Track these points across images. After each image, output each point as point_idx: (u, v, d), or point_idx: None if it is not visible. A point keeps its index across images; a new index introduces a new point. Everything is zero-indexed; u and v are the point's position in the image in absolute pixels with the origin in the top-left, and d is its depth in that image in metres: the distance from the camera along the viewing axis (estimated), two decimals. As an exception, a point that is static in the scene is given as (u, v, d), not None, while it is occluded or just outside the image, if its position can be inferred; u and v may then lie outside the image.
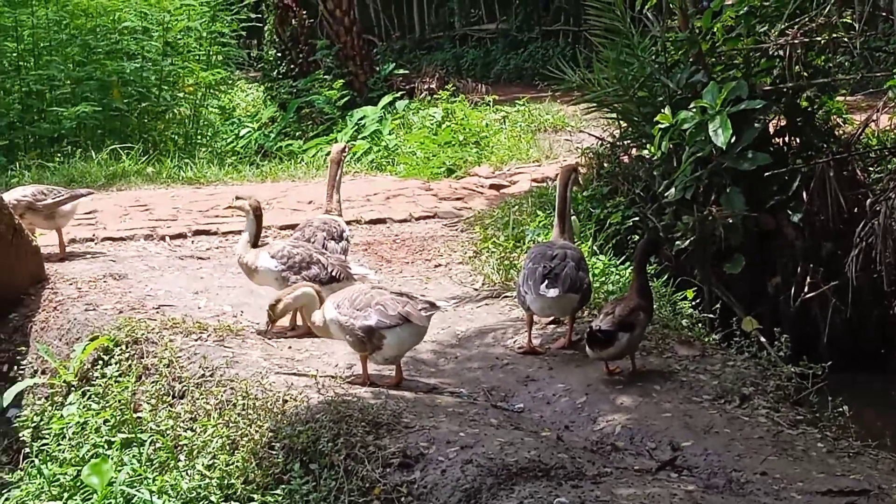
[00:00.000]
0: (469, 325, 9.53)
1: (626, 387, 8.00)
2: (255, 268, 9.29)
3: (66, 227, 11.69)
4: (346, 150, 10.75)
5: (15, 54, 20.34)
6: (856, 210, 11.51)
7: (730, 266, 11.29)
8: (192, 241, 12.41)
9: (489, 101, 22.26)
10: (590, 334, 7.96)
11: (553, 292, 8.38)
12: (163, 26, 21.13)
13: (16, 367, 9.47)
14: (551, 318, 9.32)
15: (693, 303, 10.05)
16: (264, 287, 9.66)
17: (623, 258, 10.84)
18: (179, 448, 7.51)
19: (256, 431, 7.16)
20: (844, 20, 11.21)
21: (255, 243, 9.47)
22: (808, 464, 6.95)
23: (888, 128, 12.63)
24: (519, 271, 9.25)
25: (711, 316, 9.84)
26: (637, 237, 11.33)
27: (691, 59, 11.64)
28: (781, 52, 11.33)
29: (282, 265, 9.17)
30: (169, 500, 7.08)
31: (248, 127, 24.46)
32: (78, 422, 8.22)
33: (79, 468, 7.61)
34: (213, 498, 6.94)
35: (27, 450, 8.54)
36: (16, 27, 20.10)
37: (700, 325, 9.52)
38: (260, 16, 25.74)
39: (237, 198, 9.67)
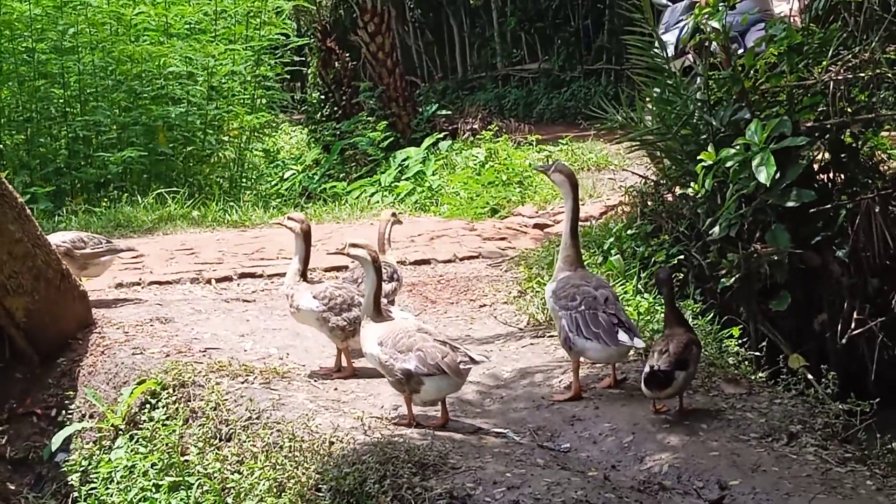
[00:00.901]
0: (514, 365, 9.52)
1: (672, 425, 7.96)
2: (298, 307, 9.31)
3: (104, 274, 11.81)
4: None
5: (62, 100, 20.58)
6: (902, 246, 11.43)
7: (775, 303, 11.23)
8: (238, 284, 12.47)
9: (532, 140, 22.29)
10: (651, 374, 7.86)
11: (639, 342, 8.27)
12: (207, 71, 21.32)
13: (64, 412, 9.55)
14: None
15: (739, 340, 10.00)
16: (309, 329, 9.69)
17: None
18: (227, 491, 7.53)
19: (303, 474, 7.17)
20: (888, 56, 11.16)
21: (304, 270, 9.46)
22: (857, 502, 6.88)
23: (933, 163, 12.57)
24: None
25: (758, 353, 9.78)
26: (682, 275, 11.29)
27: (734, 97, 11.61)
28: (825, 89, 11.30)
29: (323, 306, 9.19)
30: (217, 543, 7.11)
31: (292, 169, 24.62)
32: (126, 465, 8.26)
33: (127, 512, 7.65)
34: (260, 540, 6.96)
35: (76, 494, 8.61)
36: (62, 74, 20.35)
37: (746, 362, 9.47)
38: (303, 59, 25.99)
39: (289, 217, 9.66)
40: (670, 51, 15.58)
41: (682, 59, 15.98)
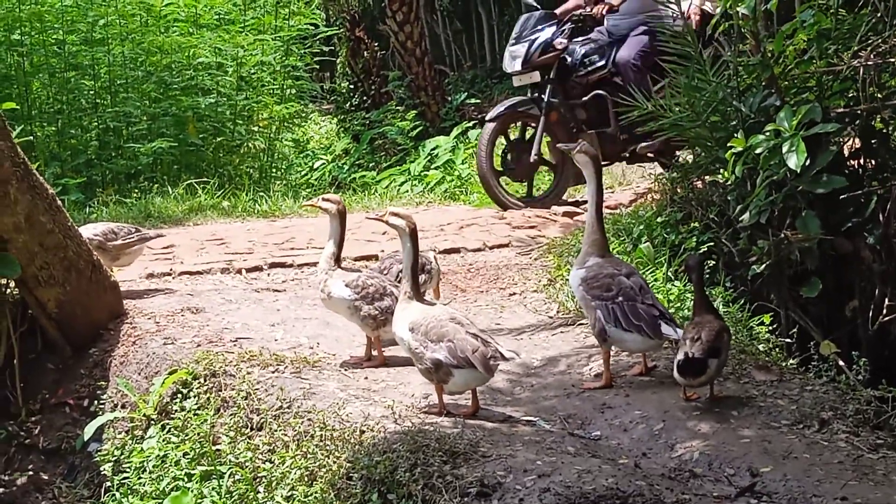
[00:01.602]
0: (544, 353, 9.52)
1: (703, 413, 7.96)
2: (329, 294, 9.31)
3: (135, 262, 11.88)
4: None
5: (92, 92, 20.64)
6: (933, 231, 11.38)
7: (806, 290, 11.18)
8: (268, 274, 12.49)
9: (562, 128, 22.20)
10: (686, 362, 7.83)
11: (681, 332, 8.24)
12: (237, 61, 21.36)
13: (96, 402, 9.58)
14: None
15: (770, 327, 9.98)
16: (339, 318, 9.70)
17: (699, 284, 10.81)
18: (258, 480, 7.57)
19: (334, 462, 7.20)
20: (918, 41, 11.10)
21: (339, 255, 9.46)
22: (889, 488, 6.87)
23: (964, 147, 12.49)
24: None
25: (788, 340, 9.77)
26: (712, 262, 11.26)
27: (764, 83, 11.56)
28: (855, 74, 11.24)
29: (355, 294, 9.19)
30: (249, 532, 7.14)
31: (321, 159, 24.65)
32: (158, 455, 8.29)
33: (159, 501, 7.69)
34: (292, 529, 6.99)
35: (108, 483, 8.65)
36: (93, 65, 20.42)
37: (777, 349, 9.46)
38: (332, 48, 25.97)
39: (324, 199, 9.65)
40: (516, 65, 16.14)
41: (530, 75, 16.16)
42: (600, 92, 15.93)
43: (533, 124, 16.23)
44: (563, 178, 16.61)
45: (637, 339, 8.34)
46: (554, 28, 16.18)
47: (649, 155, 16.56)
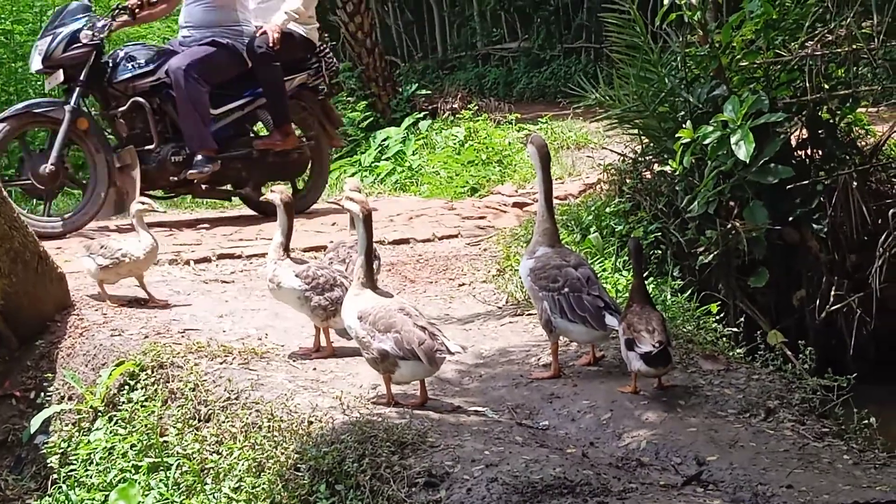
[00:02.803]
0: (493, 344, 9.53)
1: (650, 402, 7.98)
2: (279, 284, 9.27)
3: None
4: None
5: (40, 83, 20.47)
6: (879, 221, 11.47)
7: (754, 280, 11.26)
8: (217, 265, 12.44)
9: (512, 119, 22.29)
10: (661, 352, 7.84)
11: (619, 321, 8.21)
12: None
13: (42, 394, 9.53)
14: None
15: (717, 317, 10.02)
16: (288, 309, 9.67)
17: (646, 273, 10.84)
18: (206, 471, 7.54)
19: (282, 453, 7.18)
20: (864, 31, 11.17)
21: (287, 245, 9.41)
22: (834, 476, 6.92)
23: (911, 138, 12.61)
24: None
25: (736, 330, 9.81)
26: (660, 252, 11.31)
27: (711, 74, 11.63)
28: (802, 65, 11.32)
29: (305, 285, 9.15)
30: (196, 524, 7.12)
31: (272, 149, 24.51)
32: (105, 447, 8.26)
33: (106, 493, 7.65)
34: (239, 520, 6.97)
35: (55, 476, 8.60)
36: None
37: (724, 339, 9.49)
38: (283, 39, 25.83)
39: (270, 190, 9.64)
40: (37, 63, 14.04)
41: (54, 74, 14.02)
42: (140, 100, 14.15)
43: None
44: (92, 200, 14.16)
45: (582, 330, 8.35)
46: (86, 19, 14.01)
47: (205, 187, 14.95)
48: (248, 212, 15.73)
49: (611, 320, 8.26)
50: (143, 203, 10.77)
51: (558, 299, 8.41)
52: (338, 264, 9.74)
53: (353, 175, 20.75)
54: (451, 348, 7.66)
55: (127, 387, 8.83)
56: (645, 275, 10.40)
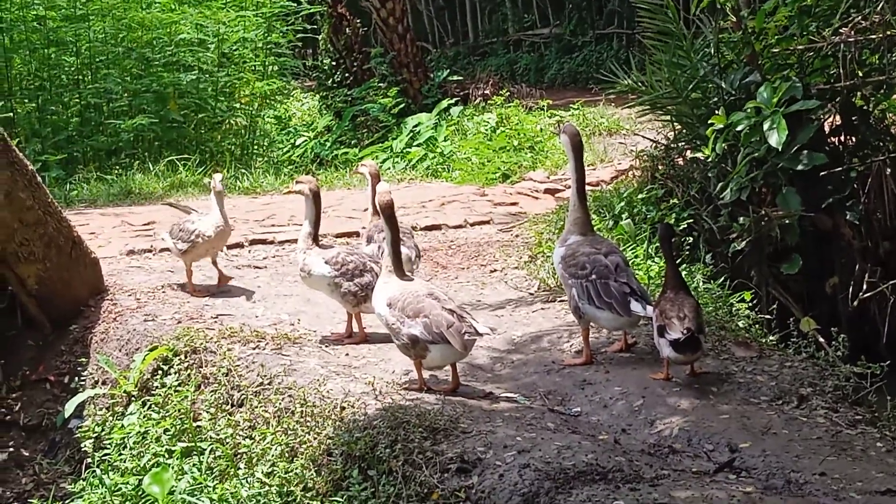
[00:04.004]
0: (525, 330, 9.53)
1: (683, 389, 7.97)
2: (309, 271, 9.31)
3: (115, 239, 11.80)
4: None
5: (73, 68, 20.59)
6: (913, 208, 11.43)
7: (787, 267, 11.22)
8: (249, 251, 12.49)
9: (543, 105, 22.24)
10: (689, 339, 7.85)
11: (650, 310, 8.18)
12: (218, 38, 21.31)
13: (76, 379, 9.59)
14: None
15: (750, 304, 10.00)
16: (320, 295, 9.70)
17: (678, 260, 10.82)
18: (239, 456, 7.56)
19: (315, 438, 7.20)
20: (898, 17, 11.11)
21: (316, 234, 9.45)
22: (867, 464, 6.91)
23: (945, 125, 12.53)
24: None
25: (768, 317, 9.79)
26: (692, 239, 11.28)
27: (745, 60, 11.58)
28: (836, 51, 11.26)
29: (335, 271, 9.18)
30: (229, 508, 7.14)
31: (303, 136, 24.60)
32: (138, 431, 8.29)
33: (140, 477, 7.67)
34: (272, 505, 6.99)
35: (89, 460, 8.65)
36: (74, 41, 20.34)
37: (757, 326, 9.47)
38: (314, 26, 25.87)
39: (297, 181, 9.66)
40: None
41: None
42: None
43: None
44: None
45: (608, 316, 8.36)
46: None
47: None
48: (279, 199, 15.77)
49: (636, 306, 8.25)
50: (221, 178, 10.77)
51: (586, 286, 8.43)
52: (356, 250, 9.74)
53: (384, 161, 20.77)
54: (480, 329, 7.67)
55: (160, 371, 8.87)
56: (677, 261, 10.41)
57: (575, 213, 8.84)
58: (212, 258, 10.84)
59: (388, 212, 8.17)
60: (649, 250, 11.01)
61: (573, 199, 8.85)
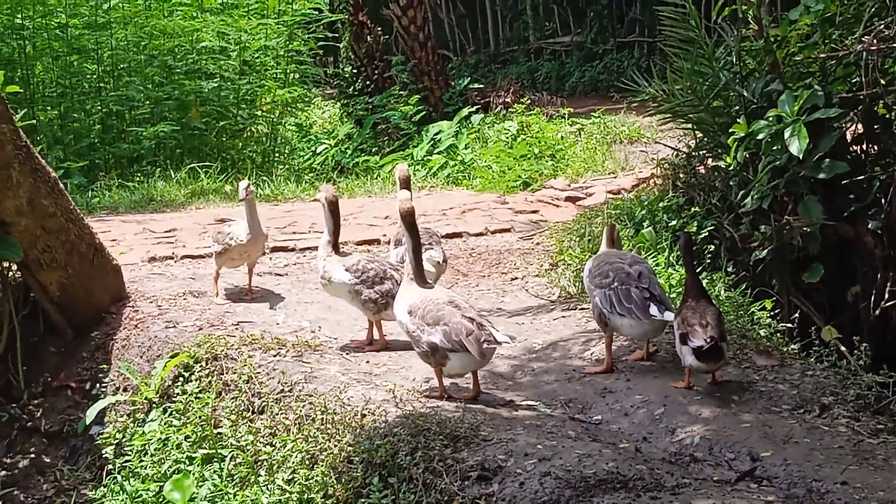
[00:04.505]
0: (546, 338, 9.53)
1: (704, 398, 7.96)
2: (330, 279, 9.33)
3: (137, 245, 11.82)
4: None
5: (95, 76, 20.68)
6: (936, 217, 11.37)
7: (808, 275, 11.18)
8: (270, 258, 12.51)
9: (564, 113, 22.27)
10: (712, 348, 7.84)
11: (668, 315, 8.24)
12: (240, 46, 21.38)
13: (98, 385, 9.63)
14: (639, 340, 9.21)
15: (771, 313, 9.98)
16: (341, 302, 9.72)
17: (700, 268, 10.82)
18: (259, 463, 7.58)
19: (335, 446, 7.21)
20: (922, 26, 11.07)
21: (335, 242, 9.47)
22: (889, 473, 6.88)
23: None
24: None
25: (790, 326, 9.77)
26: (713, 247, 11.27)
27: (766, 69, 11.56)
28: (858, 60, 11.23)
29: (355, 279, 9.19)
30: (250, 515, 7.15)
31: (324, 144, 24.66)
32: (159, 438, 8.32)
33: (161, 484, 7.70)
34: (293, 512, 7.00)
35: (110, 466, 8.67)
36: (96, 49, 20.43)
37: (778, 334, 9.46)
38: (335, 34, 25.95)
39: (319, 190, 9.70)
40: None
41: None
42: None
43: None
44: None
45: (629, 322, 8.39)
46: None
47: None
48: (300, 206, 15.78)
49: (654, 310, 8.26)
50: (249, 186, 10.79)
51: (608, 294, 8.48)
52: (376, 258, 9.75)
53: (405, 169, 20.75)
54: (499, 338, 7.67)
55: (181, 378, 8.89)
56: (698, 269, 10.40)
57: (603, 244, 9.27)
58: (249, 266, 10.87)
59: (408, 219, 8.18)
60: (670, 258, 11.00)
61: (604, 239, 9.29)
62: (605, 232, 9.32)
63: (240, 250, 10.60)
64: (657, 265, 10.83)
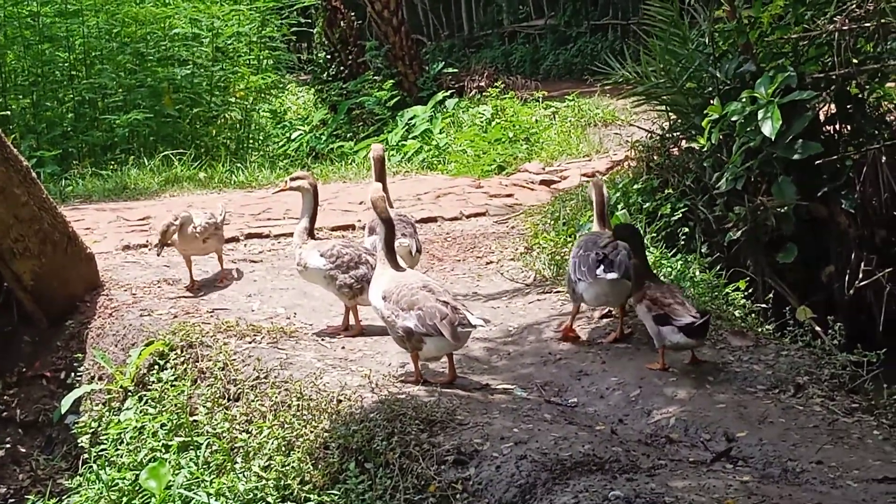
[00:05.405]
0: (521, 321, 9.53)
1: (679, 379, 7.98)
2: (305, 265, 9.30)
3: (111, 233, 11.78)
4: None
5: (67, 64, 20.58)
6: (909, 196, 11.42)
7: (782, 256, 11.22)
8: (245, 245, 12.47)
9: (539, 97, 22.24)
10: (703, 323, 7.91)
11: (611, 275, 8.39)
12: (213, 32, 21.31)
13: (73, 374, 9.60)
14: (601, 308, 9.29)
15: (746, 293, 10.01)
16: (316, 288, 9.70)
17: (674, 250, 10.85)
18: (236, 450, 7.56)
19: (311, 432, 7.20)
20: (893, 5, 11.09)
21: (312, 228, 9.45)
22: (864, 451, 6.92)
23: (940, 112, 12.52)
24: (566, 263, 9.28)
25: (764, 306, 9.80)
26: (688, 229, 11.29)
27: (739, 50, 11.57)
28: (830, 39, 11.25)
29: (330, 264, 9.17)
30: (226, 502, 7.11)
31: (299, 130, 24.60)
32: (135, 426, 8.29)
33: (137, 472, 7.66)
34: (269, 499, 6.97)
35: (86, 455, 8.63)
36: (67, 37, 20.33)
37: (753, 315, 9.48)
38: (309, 19, 25.85)
39: (293, 178, 9.63)
40: None
41: None
42: None
43: None
44: None
45: (584, 285, 8.61)
46: None
47: None
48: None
49: (600, 271, 8.48)
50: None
51: (575, 261, 8.72)
52: (352, 242, 9.74)
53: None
54: (473, 321, 7.66)
55: (157, 366, 8.86)
56: (673, 251, 10.46)
57: (595, 227, 9.47)
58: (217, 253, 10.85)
59: (381, 212, 8.19)
60: (645, 241, 11.01)
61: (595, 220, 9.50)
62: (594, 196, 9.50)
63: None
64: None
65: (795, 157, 10.85)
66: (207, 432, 7.84)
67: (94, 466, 8.18)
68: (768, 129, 10.47)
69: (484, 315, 8.42)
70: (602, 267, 8.45)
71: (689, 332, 7.90)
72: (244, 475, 7.22)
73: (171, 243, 10.44)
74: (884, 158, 11.35)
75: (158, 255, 10.48)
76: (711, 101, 11.18)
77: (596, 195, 9.44)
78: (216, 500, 7.13)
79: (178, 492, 7.29)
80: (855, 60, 11.41)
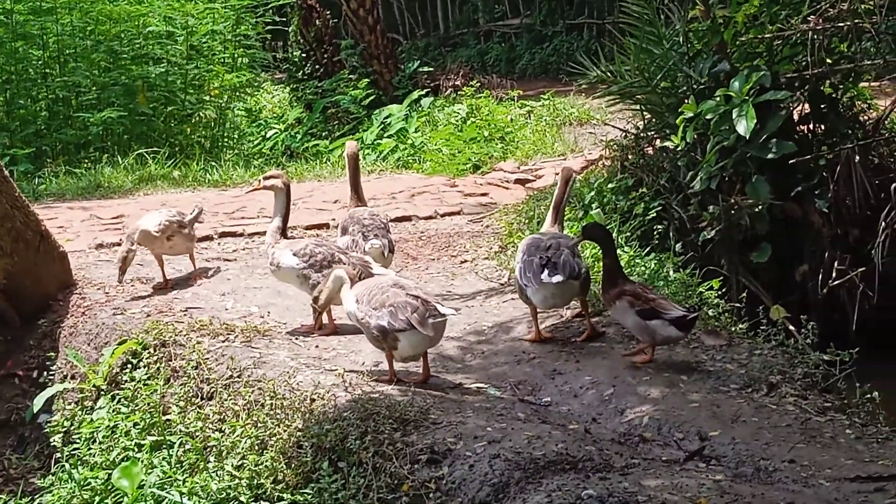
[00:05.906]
0: (495, 320, 9.53)
1: (653, 378, 7.98)
2: (278, 264, 9.29)
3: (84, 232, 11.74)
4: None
5: (40, 62, 20.51)
6: (882, 196, 11.44)
7: (756, 255, 11.25)
8: (219, 243, 12.45)
9: (514, 96, 22.26)
10: (694, 318, 8.04)
11: (556, 278, 8.43)
12: (187, 30, 21.25)
13: (45, 373, 9.57)
14: (552, 308, 9.31)
15: (719, 292, 10.02)
16: (290, 287, 9.68)
17: (648, 249, 10.86)
18: (209, 449, 7.54)
19: (285, 431, 7.18)
20: (867, 5, 11.14)
21: (284, 228, 9.44)
22: (836, 450, 6.93)
23: (913, 112, 12.57)
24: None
25: (738, 305, 9.81)
26: (662, 228, 11.30)
27: (713, 49, 11.60)
28: (804, 39, 11.29)
29: (303, 263, 9.16)
30: (199, 502, 7.08)
31: (274, 128, 24.55)
32: (108, 426, 8.26)
33: (109, 472, 7.63)
34: (242, 498, 6.94)
35: (58, 455, 8.61)
36: (41, 35, 20.24)
37: (727, 314, 9.49)
38: (284, 18, 25.80)
39: (267, 177, 9.62)
40: None
41: None
42: None
43: None
44: None
45: (532, 289, 8.65)
46: None
47: None
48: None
49: (545, 275, 8.51)
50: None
51: (521, 267, 8.75)
52: (326, 242, 9.73)
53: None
54: (443, 311, 7.67)
55: (129, 365, 8.83)
56: (647, 250, 10.47)
57: (546, 222, 9.50)
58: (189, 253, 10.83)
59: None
60: (620, 240, 11.02)
61: (548, 219, 9.53)
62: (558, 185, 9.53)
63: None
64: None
65: (769, 156, 10.88)
66: (180, 431, 7.82)
67: (67, 465, 8.14)
68: (743, 128, 10.50)
69: (459, 313, 8.41)
70: (546, 271, 8.49)
71: (681, 325, 7.95)
72: (217, 474, 7.19)
73: (142, 244, 10.42)
74: (857, 158, 11.40)
75: (119, 282, 10.40)
76: (686, 101, 11.20)
77: (560, 184, 9.46)
78: (189, 499, 7.10)
79: (150, 491, 7.25)
80: (829, 60, 11.46)
